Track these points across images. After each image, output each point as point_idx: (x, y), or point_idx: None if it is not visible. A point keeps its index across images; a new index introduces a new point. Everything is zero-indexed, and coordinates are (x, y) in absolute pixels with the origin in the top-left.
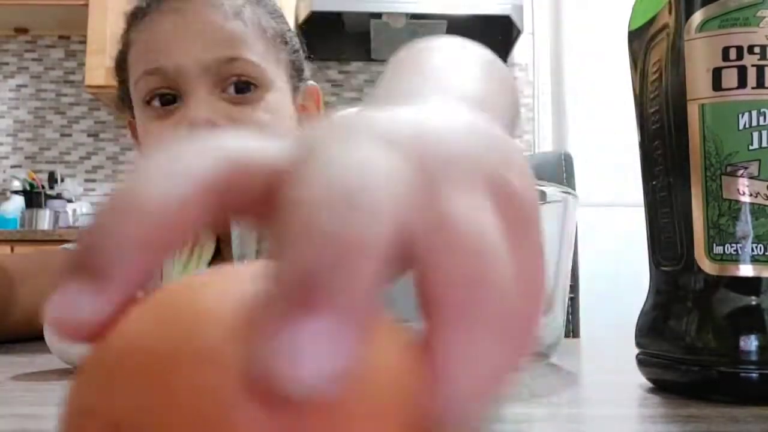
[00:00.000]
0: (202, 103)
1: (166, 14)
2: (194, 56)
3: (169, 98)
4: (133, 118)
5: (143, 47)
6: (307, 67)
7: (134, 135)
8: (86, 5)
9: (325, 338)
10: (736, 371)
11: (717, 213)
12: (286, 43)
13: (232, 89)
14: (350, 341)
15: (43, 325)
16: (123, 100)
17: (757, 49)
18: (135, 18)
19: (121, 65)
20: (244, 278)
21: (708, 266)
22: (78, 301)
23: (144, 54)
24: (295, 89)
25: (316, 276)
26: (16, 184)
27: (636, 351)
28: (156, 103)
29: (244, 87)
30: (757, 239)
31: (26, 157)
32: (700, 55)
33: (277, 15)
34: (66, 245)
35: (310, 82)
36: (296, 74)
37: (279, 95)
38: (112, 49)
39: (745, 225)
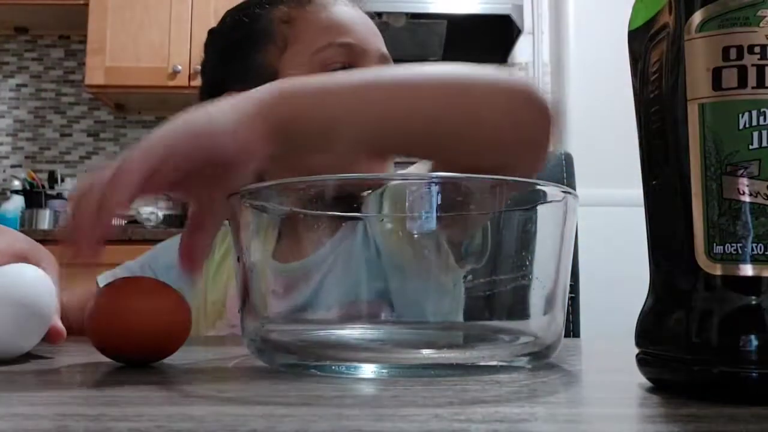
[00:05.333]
0: None
1: (340, 3)
2: (375, 44)
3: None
4: (237, 87)
5: (325, 23)
6: None
7: None
8: (86, 5)
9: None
10: (736, 371)
11: (717, 213)
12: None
13: None
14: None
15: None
16: (234, 73)
17: (757, 49)
18: (298, 2)
19: (250, 42)
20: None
21: (708, 266)
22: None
23: (329, 29)
24: None
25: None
26: (16, 184)
27: (636, 351)
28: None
29: None
30: (757, 239)
31: (26, 157)
32: (700, 55)
33: None
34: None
35: None
36: None
37: None
38: (112, 49)
39: (745, 225)
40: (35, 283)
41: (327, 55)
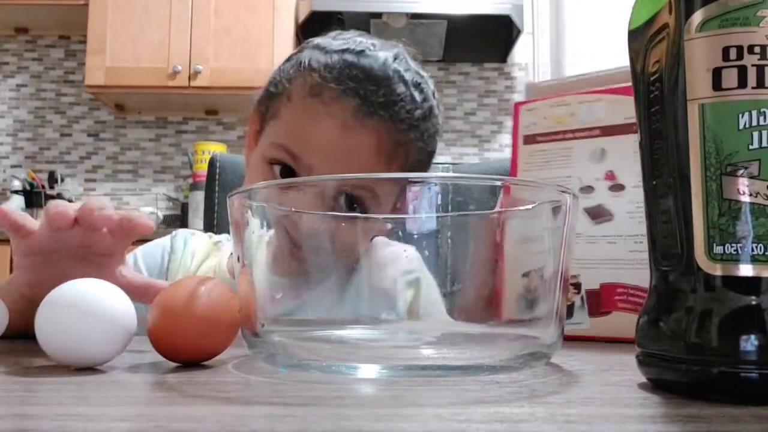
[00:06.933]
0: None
1: (335, 119)
2: (338, 172)
3: (287, 173)
4: (257, 115)
5: (298, 129)
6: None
7: (252, 121)
8: (86, 5)
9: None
10: (736, 371)
11: (717, 213)
12: (429, 155)
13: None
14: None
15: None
16: (263, 100)
17: (757, 49)
18: (311, 86)
19: (278, 88)
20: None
21: (708, 266)
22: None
23: (295, 134)
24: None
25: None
26: (16, 184)
27: (636, 351)
28: (276, 170)
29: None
30: (757, 239)
31: (26, 157)
32: (700, 55)
33: (432, 134)
34: None
35: None
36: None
37: (380, 208)
38: (112, 49)
39: (745, 225)
40: (115, 295)
41: (275, 154)
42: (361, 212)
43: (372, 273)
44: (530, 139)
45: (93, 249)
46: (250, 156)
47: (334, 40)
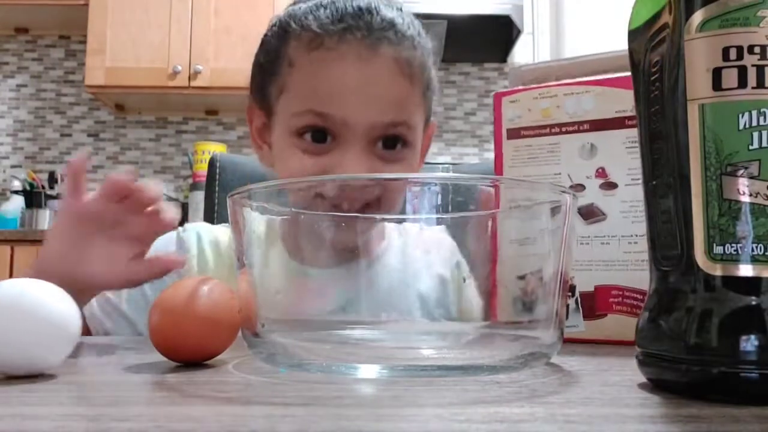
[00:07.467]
0: (359, 161)
1: (348, 58)
2: (365, 116)
3: (320, 136)
4: (257, 107)
5: (315, 85)
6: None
7: (250, 121)
8: (86, 5)
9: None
10: (736, 371)
11: (717, 213)
12: (432, 90)
13: (380, 144)
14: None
15: None
16: (257, 91)
17: (757, 49)
18: (309, 41)
19: (270, 67)
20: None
21: (708, 266)
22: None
23: (314, 93)
24: (424, 132)
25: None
26: (16, 184)
27: (636, 351)
28: (308, 137)
29: (392, 144)
30: (757, 239)
31: (26, 157)
32: (700, 55)
33: (432, 53)
34: None
35: (433, 119)
36: (427, 118)
37: (417, 148)
38: (112, 49)
39: (745, 225)
40: (59, 298)
41: (300, 120)
42: (399, 158)
43: (415, 260)
44: (514, 133)
45: (126, 230)
46: (270, 150)
47: (302, 2)
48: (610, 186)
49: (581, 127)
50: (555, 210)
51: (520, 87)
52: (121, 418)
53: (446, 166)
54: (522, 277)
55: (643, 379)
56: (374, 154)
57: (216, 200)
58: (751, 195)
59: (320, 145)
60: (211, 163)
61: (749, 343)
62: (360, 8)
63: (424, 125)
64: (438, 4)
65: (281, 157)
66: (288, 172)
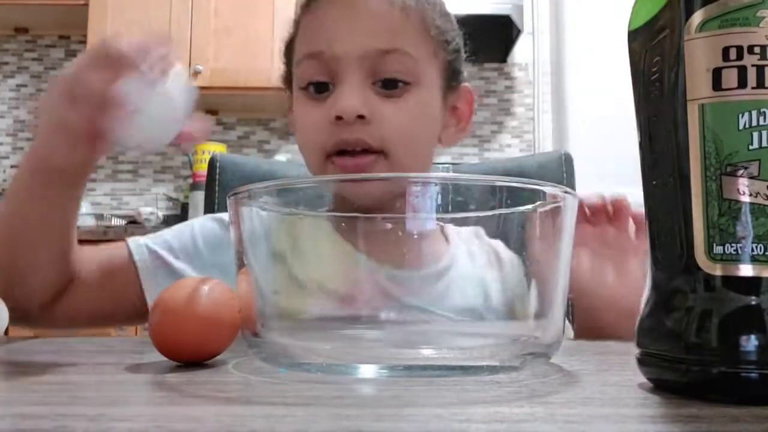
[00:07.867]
0: (352, 92)
1: (336, 3)
2: (354, 44)
3: (322, 87)
4: (287, 87)
5: (309, 31)
6: (465, 69)
7: (291, 125)
8: (86, 5)
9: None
10: (736, 371)
11: (717, 213)
12: (448, 42)
13: (380, 84)
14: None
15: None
16: (287, 83)
17: (757, 49)
18: (307, 2)
19: (289, 48)
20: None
21: (708, 266)
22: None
23: (308, 38)
24: (449, 89)
25: None
26: None
27: (636, 351)
28: (311, 89)
29: (392, 84)
30: (757, 239)
31: None
32: (700, 55)
33: (443, 14)
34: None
35: (465, 83)
36: (452, 75)
37: (427, 93)
38: None
39: (745, 225)
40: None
41: (300, 71)
42: (398, 95)
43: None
44: None
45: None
46: (296, 117)
47: None
48: None
49: None
50: (555, 210)
51: None
52: (121, 418)
53: (446, 166)
54: (522, 277)
55: (643, 379)
56: (371, 89)
57: (216, 200)
58: (751, 195)
59: (323, 95)
60: (211, 164)
61: (749, 343)
62: None
63: (450, 83)
64: None
65: (296, 118)
66: (299, 127)
